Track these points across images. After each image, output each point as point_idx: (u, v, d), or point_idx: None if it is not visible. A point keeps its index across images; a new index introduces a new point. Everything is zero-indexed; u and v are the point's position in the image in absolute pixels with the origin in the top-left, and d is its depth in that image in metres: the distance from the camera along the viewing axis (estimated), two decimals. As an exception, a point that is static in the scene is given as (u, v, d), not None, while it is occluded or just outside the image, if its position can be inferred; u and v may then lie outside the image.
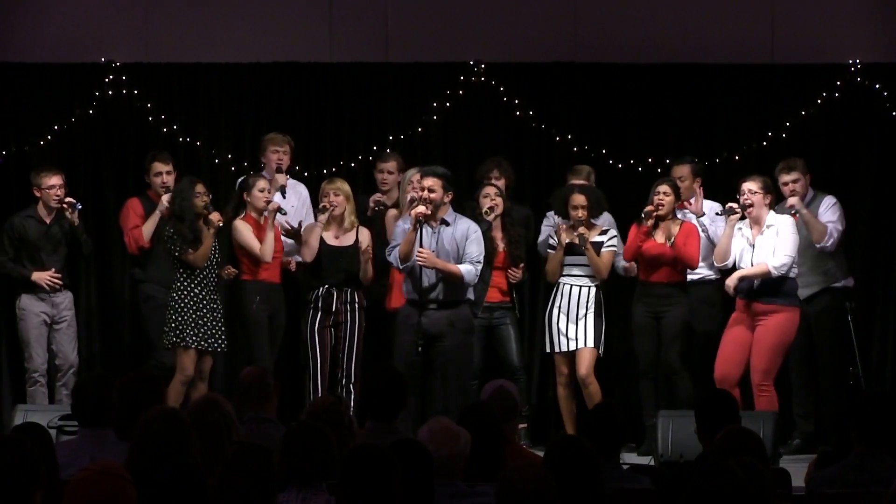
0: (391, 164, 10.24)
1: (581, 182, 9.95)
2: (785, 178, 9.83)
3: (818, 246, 9.78)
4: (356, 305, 9.71)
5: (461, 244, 9.24)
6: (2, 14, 10.90)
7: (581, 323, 9.61)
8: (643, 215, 9.65)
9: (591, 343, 9.60)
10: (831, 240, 9.82)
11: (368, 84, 10.93)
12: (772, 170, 10.26)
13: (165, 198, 9.91)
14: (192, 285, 9.58)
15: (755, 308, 9.44)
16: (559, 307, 9.68)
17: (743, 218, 9.53)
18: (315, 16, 10.98)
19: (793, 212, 9.66)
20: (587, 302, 9.64)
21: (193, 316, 9.54)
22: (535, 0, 10.97)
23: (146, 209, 10.12)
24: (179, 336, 9.50)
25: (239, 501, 4.45)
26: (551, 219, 10.07)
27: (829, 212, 9.88)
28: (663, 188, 9.70)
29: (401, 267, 9.22)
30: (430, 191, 9.19)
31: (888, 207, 10.65)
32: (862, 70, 10.68)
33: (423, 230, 9.15)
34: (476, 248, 9.25)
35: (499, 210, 9.79)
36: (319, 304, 9.69)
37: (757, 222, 9.49)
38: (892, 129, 10.69)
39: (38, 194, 9.91)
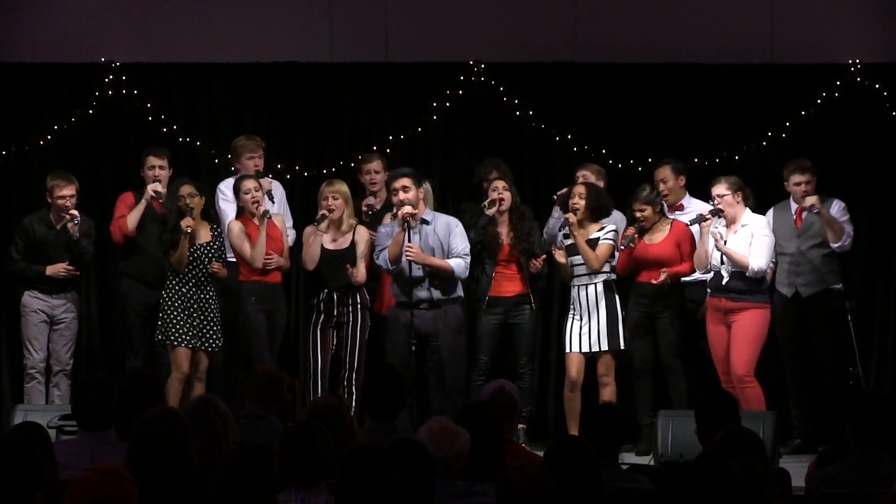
0: (376, 164, 10.17)
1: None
2: (798, 178, 9.80)
3: (835, 246, 9.75)
4: (358, 306, 9.68)
5: (444, 239, 9.30)
6: (2, 14, 10.90)
7: (594, 324, 9.54)
8: (626, 241, 9.57)
9: (604, 345, 9.54)
10: (849, 239, 9.80)
11: (368, 84, 10.93)
12: (771, 169, 10.25)
13: (150, 186, 9.90)
14: (181, 285, 9.60)
15: (725, 305, 9.47)
16: (572, 307, 9.66)
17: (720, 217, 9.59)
18: (315, 16, 10.98)
19: (815, 211, 9.64)
20: (595, 300, 9.59)
21: (183, 315, 9.56)
22: (535, 0, 10.97)
23: (137, 203, 10.03)
24: (168, 334, 9.54)
25: (239, 501, 4.45)
26: (556, 212, 10.02)
27: (839, 214, 9.85)
28: (638, 206, 9.67)
29: (391, 269, 9.25)
30: (405, 190, 9.24)
31: (888, 208, 10.65)
32: (862, 70, 10.68)
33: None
34: (461, 242, 9.32)
35: (505, 205, 9.77)
36: (322, 308, 9.68)
37: (731, 221, 9.53)
38: (892, 129, 10.69)
39: (49, 200, 9.89)
